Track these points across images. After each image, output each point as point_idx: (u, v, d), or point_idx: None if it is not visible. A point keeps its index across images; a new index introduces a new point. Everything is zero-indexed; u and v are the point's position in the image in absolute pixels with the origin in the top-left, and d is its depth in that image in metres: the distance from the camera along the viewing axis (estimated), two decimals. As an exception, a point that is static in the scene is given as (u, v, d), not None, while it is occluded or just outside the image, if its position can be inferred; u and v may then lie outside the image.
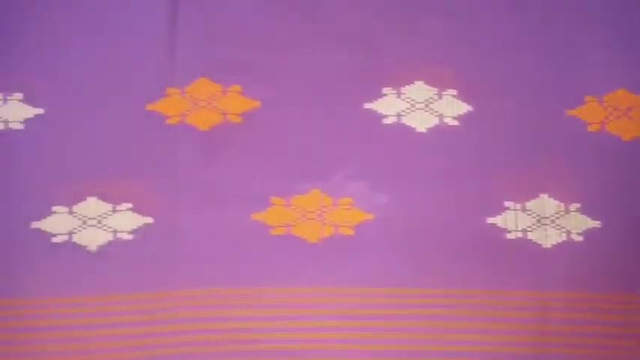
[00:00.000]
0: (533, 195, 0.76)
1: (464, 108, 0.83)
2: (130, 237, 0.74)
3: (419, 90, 0.85)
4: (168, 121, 0.81)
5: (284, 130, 0.82)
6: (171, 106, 0.82)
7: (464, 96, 0.84)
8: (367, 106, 0.84)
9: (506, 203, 0.76)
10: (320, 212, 0.76)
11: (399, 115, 0.83)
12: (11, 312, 0.69)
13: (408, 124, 0.83)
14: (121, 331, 0.69)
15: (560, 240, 0.73)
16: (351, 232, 0.74)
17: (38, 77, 0.82)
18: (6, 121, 0.79)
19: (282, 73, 0.85)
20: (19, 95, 0.81)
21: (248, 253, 0.73)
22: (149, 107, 0.81)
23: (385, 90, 0.85)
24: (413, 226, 0.75)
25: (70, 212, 0.75)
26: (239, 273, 0.71)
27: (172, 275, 0.72)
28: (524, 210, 0.76)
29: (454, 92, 0.85)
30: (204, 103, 0.82)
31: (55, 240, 0.73)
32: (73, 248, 0.73)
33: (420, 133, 0.82)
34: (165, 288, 0.71)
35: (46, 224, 0.74)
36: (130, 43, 0.85)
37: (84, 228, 0.74)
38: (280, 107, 0.82)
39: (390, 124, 0.83)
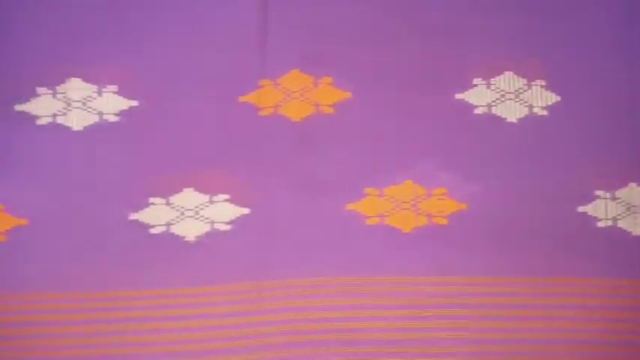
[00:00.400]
0: (623, 184, 0.76)
1: (552, 98, 0.83)
2: (227, 228, 0.73)
3: (509, 80, 0.84)
4: (262, 113, 0.80)
5: (376, 120, 0.80)
6: (265, 97, 0.81)
7: (552, 87, 0.84)
8: (458, 96, 0.83)
9: (597, 192, 0.76)
10: (414, 202, 0.76)
11: (489, 106, 0.83)
12: (108, 303, 0.70)
13: (498, 114, 0.82)
14: (220, 321, 0.69)
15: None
16: (445, 222, 0.75)
17: (133, 70, 0.82)
18: (101, 113, 0.80)
19: (372, 65, 0.83)
20: (114, 87, 0.81)
21: (344, 243, 0.73)
22: (242, 99, 0.81)
23: (475, 81, 0.84)
24: (507, 215, 0.75)
25: (167, 203, 0.75)
26: (337, 262, 0.71)
27: (270, 265, 0.72)
28: (613, 199, 0.76)
29: (542, 83, 0.84)
30: (296, 95, 0.81)
31: (153, 231, 0.73)
32: (171, 239, 0.73)
33: (511, 123, 0.82)
34: (263, 278, 0.71)
35: (144, 215, 0.74)
36: (222, 35, 0.84)
37: (181, 219, 0.74)
38: (371, 98, 0.81)
39: (480, 114, 0.83)
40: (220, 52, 0.83)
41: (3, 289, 0.69)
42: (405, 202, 0.76)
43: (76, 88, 0.81)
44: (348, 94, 0.82)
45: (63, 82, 0.82)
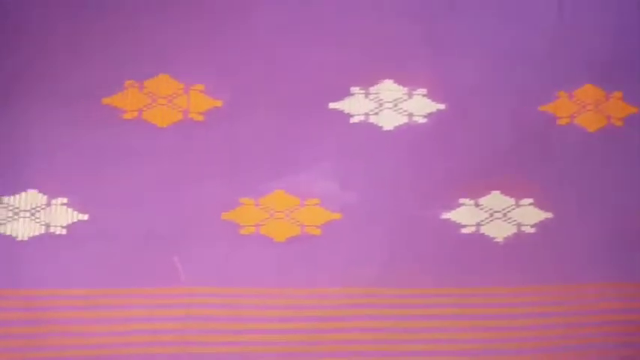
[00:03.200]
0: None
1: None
2: (532, 230, 0.82)
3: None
4: (559, 122, 0.86)
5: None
6: (561, 107, 0.86)
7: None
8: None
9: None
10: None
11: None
12: (412, 300, 0.79)
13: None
14: (526, 322, 0.79)
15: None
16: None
17: (442, 75, 0.86)
18: (410, 115, 0.85)
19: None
20: (423, 90, 0.86)
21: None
22: (542, 108, 0.86)
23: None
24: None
25: (476, 205, 0.83)
26: None
27: (570, 269, 0.81)
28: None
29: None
30: (590, 107, 0.86)
31: (464, 231, 0.82)
32: (480, 239, 0.82)
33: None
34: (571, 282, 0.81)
35: (456, 215, 0.82)
36: (523, 45, 0.87)
37: (490, 220, 0.83)
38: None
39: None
40: (521, 61, 0.86)
41: (331, 282, 0.79)
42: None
43: (388, 89, 0.85)
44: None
45: (377, 83, 0.86)
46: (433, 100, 0.85)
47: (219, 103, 0.83)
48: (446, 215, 0.83)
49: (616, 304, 0.80)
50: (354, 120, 0.84)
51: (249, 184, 0.82)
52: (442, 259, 0.81)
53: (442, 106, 0.85)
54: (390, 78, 0.85)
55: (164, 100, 0.83)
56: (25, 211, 0.78)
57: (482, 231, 0.82)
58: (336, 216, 0.82)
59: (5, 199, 0.79)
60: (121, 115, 0.82)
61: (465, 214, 0.83)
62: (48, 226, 0.78)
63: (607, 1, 0.90)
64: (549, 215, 0.83)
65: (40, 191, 0.79)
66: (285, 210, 0.82)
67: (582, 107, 0.86)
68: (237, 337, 0.77)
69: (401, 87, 0.85)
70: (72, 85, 0.82)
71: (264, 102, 0.84)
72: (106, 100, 0.82)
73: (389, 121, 0.84)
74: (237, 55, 0.85)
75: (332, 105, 0.85)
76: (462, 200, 0.83)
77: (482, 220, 0.83)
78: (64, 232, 0.78)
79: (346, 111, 0.84)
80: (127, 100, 0.82)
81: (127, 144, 0.81)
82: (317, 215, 0.82)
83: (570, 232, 0.83)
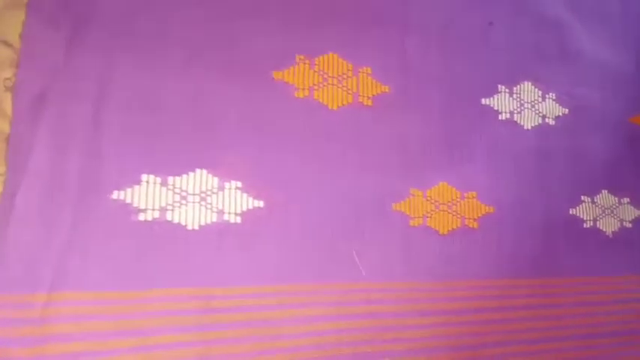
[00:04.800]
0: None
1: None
2: (629, 225, 0.95)
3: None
4: None
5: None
6: None
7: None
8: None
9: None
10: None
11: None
12: (542, 290, 0.86)
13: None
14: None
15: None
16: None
17: (569, 82, 0.94)
18: (544, 116, 0.91)
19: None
20: (553, 95, 0.92)
21: None
22: None
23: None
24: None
25: (592, 202, 0.92)
26: None
27: None
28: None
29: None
30: None
31: (585, 225, 0.92)
32: (595, 232, 0.92)
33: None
34: None
35: (579, 211, 0.91)
36: None
37: (603, 216, 0.93)
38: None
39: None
40: None
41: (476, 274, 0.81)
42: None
43: (527, 91, 0.91)
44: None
45: (518, 83, 0.90)
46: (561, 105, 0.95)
47: (387, 89, 0.81)
48: (572, 211, 0.92)
49: None
50: (502, 117, 0.89)
51: (417, 175, 0.80)
52: (569, 250, 0.90)
53: (566, 111, 0.95)
54: (528, 80, 0.92)
55: (335, 80, 0.77)
56: (194, 194, 0.67)
57: (598, 224, 0.93)
58: (491, 209, 0.85)
59: (171, 179, 0.66)
60: (294, 93, 0.74)
61: (585, 210, 0.93)
62: (222, 213, 0.68)
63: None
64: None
65: (210, 173, 0.68)
66: (448, 202, 0.82)
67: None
68: (415, 333, 0.75)
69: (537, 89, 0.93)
70: (247, 56, 0.72)
71: (429, 94, 0.83)
72: (277, 75, 0.74)
73: (528, 120, 0.91)
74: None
75: (485, 101, 0.88)
76: (583, 197, 0.93)
77: (600, 214, 0.94)
78: (238, 220, 0.68)
79: (495, 107, 0.88)
80: (297, 76, 0.75)
81: (299, 128, 0.74)
82: (475, 208, 0.84)
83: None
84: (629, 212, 0.97)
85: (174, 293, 0.63)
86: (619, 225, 0.96)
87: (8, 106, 0.60)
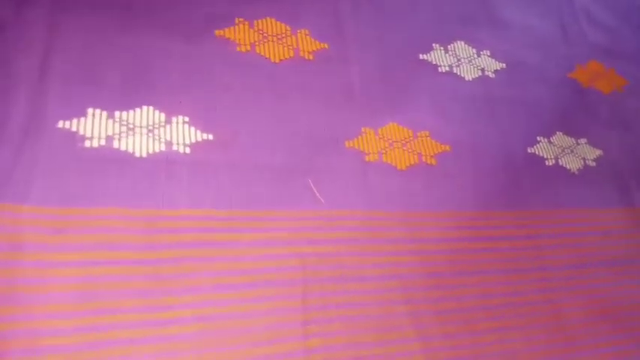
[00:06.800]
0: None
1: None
2: (593, 164, 0.96)
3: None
4: None
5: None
6: None
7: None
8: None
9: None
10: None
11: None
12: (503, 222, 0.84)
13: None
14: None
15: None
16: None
17: (503, 36, 1.02)
18: (482, 69, 0.96)
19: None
20: (488, 52, 1.00)
21: None
22: None
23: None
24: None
25: (549, 142, 0.94)
26: None
27: None
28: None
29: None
30: None
31: (547, 163, 0.93)
32: (559, 170, 0.93)
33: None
34: None
35: (537, 149, 0.93)
36: None
37: (563, 155, 0.94)
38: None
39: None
40: None
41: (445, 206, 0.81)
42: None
43: (462, 48, 0.97)
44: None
45: (452, 42, 0.98)
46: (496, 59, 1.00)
47: (326, 46, 0.86)
48: (530, 150, 0.93)
49: None
50: (441, 70, 0.94)
51: (366, 116, 0.82)
52: (536, 185, 0.89)
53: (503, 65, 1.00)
54: (461, 40, 0.99)
55: (275, 38, 0.83)
56: (141, 127, 0.68)
57: (560, 163, 0.93)
58: (447, 147, 0.86)
59: (117, 113, 0.67)
60: (235, 48, 0.79)
61: (544, 149, 0.94)
62: (170, 144, 0.68)
63: None
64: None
65: (156, 109, 0.70)
66: (401, 140, 0.83)
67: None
68: (375, 259, 0.72)
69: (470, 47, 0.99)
70: (187, 19, 0.79)
71: (366, 51, 0.89)
72: (219, 33, 0.79)
73: (468, 73, 0.95)
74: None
75: (422, 56, 0.93)
76: (538, 138, 0.95)
77: (560, 153, 0.95)
78: (187, 150, 0.69)
79: (433, 62, 0.94)
80: (239, 34, 0.80)
81: (244, 75, 0.78)
82: (430, 146, 0.85)
83: None
84: (589, 152, 0.98)
85: (119, 213, 0.62)
86: (582, 163, 0.96)
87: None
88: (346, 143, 0.79)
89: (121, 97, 0.69)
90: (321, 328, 0.65)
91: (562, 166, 0.94)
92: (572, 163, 0.95)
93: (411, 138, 0.84)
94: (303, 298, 0.66)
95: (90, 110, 0.66)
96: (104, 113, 0.67)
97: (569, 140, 0.98)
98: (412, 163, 0.82)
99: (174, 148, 0.68)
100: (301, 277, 0.67)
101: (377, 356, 0.66)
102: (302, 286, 0.66)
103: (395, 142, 0.83)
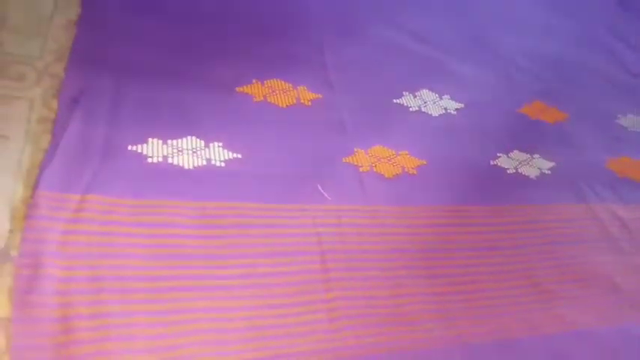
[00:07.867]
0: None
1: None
2: (547, 172, 1.15)
3: None
4: None
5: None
6: None
7: None
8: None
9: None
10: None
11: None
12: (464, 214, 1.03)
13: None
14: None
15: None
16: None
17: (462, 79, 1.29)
18: (445, 109, 1.21)
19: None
20: (448, 96, 1.25)
21: None
22: None
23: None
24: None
25: (508, 157, 1.14)
26: None
27: None
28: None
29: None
30: None
31: (508, 172, 1.14)
32: (519, 178, 1.14)
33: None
34: None
35: (499, 162, 1.13)
36: None
37: (522, 166, 1.14)
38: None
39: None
40: None
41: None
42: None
43: (426, 94, 1.24)
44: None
45: (418, 90, 1.24)
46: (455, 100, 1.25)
47: (320, 96, 1.12)
48: (493, 162, 1.14)
49: None
50: (412, 110, 1.18)
51: (357, 141, 1.06)
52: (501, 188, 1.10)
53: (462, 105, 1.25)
54: (425, 89, 1.25)
55: (281, 92, 1.09)
56: (187, 149, 0.90)
57: (520, 171, 1.14)
58: (424, 162, 1.07)
59: (169, 141, 0.90)
60: (253, 99, 1.04)
61: (504, 162, 1.15)
62: (209, 160, 0.90)
63: None
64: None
65: (197, 138, 0.93)
66: (387, 157, 1.04)
67: None
68: (374, 238, 0.92)
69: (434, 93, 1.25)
70: (219, 79, 1.05)
71: (350, 97, 1.14)
72: (239, 89, 1.05)
73: (434, 111, 1.20)
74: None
75: (395, 100, 1.19)
76: (498, 154, 1.16)
77: (518, 165, 1.16)
78: (223, 165, 0.90)
79: (405, 104, 1.19)
80: (255, 90, 1.06)
81: (260, 115, 1.03)
82: (410, 161, 1.06)
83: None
84: (543, 164, 1.20)
85: (175, 204, 0.83)
86: (539, 172, 1.18)
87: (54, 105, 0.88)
88: (343, 159, 1.02)
89: (171, 131, 0.93)
90: (337, 284, 0.83)
91: (522, 174, 1.16)
92: (530, 172, 1.17)
93: (394, 155, 1.07)
94: (321, 262, 0.85)
95: (149, 139, 0.90)
96: (160, 141, 0.90)
97: (524, 155, 1.20)
98: (397, 173, 1.04)
99: (213, 162, 0.91)
100: (318, 249, 0.87)
101: (388, 306, 0.83)
102: (320, 255, 0.86)
103: (382, 159, 1.05)
